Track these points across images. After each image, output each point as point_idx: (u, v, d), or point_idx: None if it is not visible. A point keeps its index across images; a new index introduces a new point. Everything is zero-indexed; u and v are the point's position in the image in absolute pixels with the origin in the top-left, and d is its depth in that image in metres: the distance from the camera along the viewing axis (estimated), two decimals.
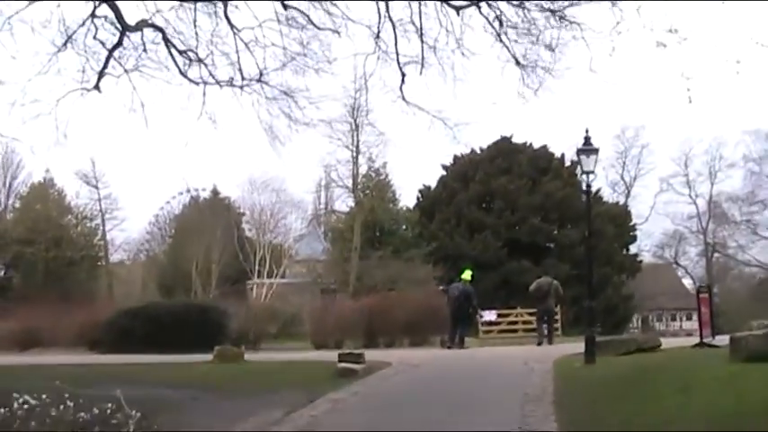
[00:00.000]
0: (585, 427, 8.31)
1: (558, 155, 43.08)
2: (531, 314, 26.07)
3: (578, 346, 16.43)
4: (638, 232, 46.63)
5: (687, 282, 66.17)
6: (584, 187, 17.18)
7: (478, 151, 41.89)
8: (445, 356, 19.92)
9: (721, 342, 15.96)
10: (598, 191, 42.13)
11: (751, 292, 59.43)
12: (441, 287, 27.87)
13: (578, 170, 41.99)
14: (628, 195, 58.72)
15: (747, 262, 60.09)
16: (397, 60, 14.42)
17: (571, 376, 13.08)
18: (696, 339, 17.56)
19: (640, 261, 46.44)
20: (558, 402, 10.14)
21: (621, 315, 41.26)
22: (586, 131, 15.63)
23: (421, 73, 14.44)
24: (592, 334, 15.11)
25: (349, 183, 38.11)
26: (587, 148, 15.82)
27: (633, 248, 45.75)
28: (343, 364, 14.25)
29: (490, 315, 28.90)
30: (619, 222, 42.27)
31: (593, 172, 16.24)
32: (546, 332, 23.15)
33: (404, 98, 14.94)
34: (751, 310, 51.38)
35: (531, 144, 43.17)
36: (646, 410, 8.71)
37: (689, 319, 62.86)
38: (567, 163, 42.24)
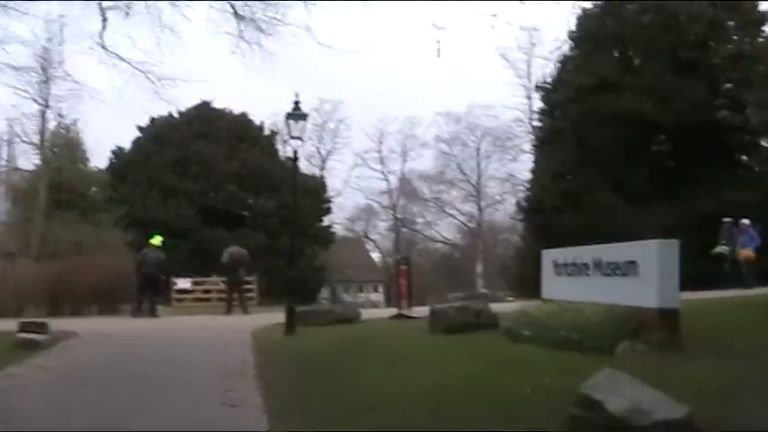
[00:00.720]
0: (292, 403, 8.40)
1: (258, 123, 44.06)
2: (225, 283, 26.88)
3: (274, 316, 17.05)
4: (332, 205, 49.06)
5: (375, 255, 71.36)
6: (291, 154, 17.42)
7: (176, 115, 41.47)
8: (136, 326, 19.54)
9: (418, 314, 17.78)
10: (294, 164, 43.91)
11: (434, 266, 65.55)
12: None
13: (278, 139, 44.22)
14: (323, 168, 61.74)
15: (433, 238, 66.17)
16: (100, 4, 13.90)
17: (272, 349, 13.21)
18: (388, 311, 19.07)
19: (333, 233, 49.32)
20: (261, 376, 10.23)
21: (313, 286, 43.65)
22: (296, 96, 16.19)
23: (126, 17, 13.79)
24: (292, 305, 15.64)
25: (36, 139, 36.01)
26: (296, 113, 16.21)
27: (327, 221, 48.15)
28: (24, 335, 13.28)
29: (184, 283, 29.64)
30: (314, 194, 44.38)
31: (300, 138, 16.73)
32: (238, 302, 23.89)
33: (104, 46, 14.38)
34: (434, 283, 57.49)
35: (230, 111, 44.02)
36: (353, 384, 9.17)
37: (375, 290, 68.35)
38: (267, 132, 43.43)
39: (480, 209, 61.81)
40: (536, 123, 53.78)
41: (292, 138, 16.62)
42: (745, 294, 17.07)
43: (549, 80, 33.83)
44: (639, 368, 8.38)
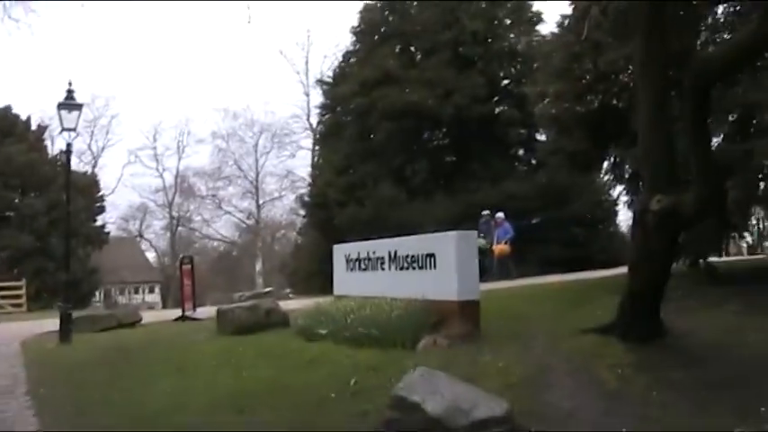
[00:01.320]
0: (72, 422, 7.72)
1: (24, 117, 41.02)
2: None
3: (45, 323, 16.10)
4: (105, 204, 46.58)
5: (151, 255, 68.62)
6: (64, 147, 15.99)
7: None
8: None
9: (203, 315, 16.91)
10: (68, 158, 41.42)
11: (211, 264, 63.97)
12: None
13: (48, 135, 41.30)
14: (95, 165, 58.43)
15: (210, 236, 64.59)
16: None
17: (46, 360, 12.31)
18: (170, 313, 18.22)
19: (107, 233, 46.81)
20: (35, 393, 9.38)
21: (86, 289, 41.27)
22: (69, 84, 14.95)
23: None
24: (66, 310, 14.46)
25: None
26: (70, 103, 14.95)
27: (100, 220, 45.78)
28: None
29: None
30: (86, 193, 41.97)
31: (74, 129, 15.40)
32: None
33: None
34: (213, 282, 56.09)
35: None
36: (141, 394, 8.66)
37: (151, 291, 65.73)
38: (35, 127, 40.56)
39: (259, 205, 60.99)
40: (317, 118, 54.96)
41: (65, 129, 15.22)
42: (511, 285, 17.99)
43: (330, 75, 33.88)
44: (443, 363, 8.31)
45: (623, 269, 9.76)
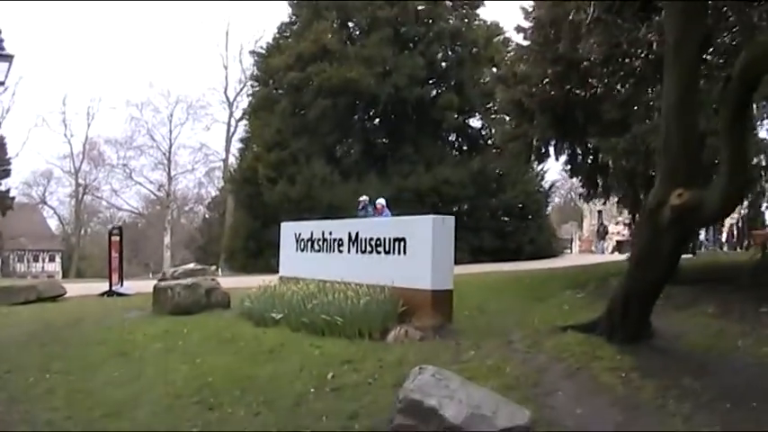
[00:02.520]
0: (5, 414, 7.05)
1: None
2: None
3: None
4: (11, 167, 44.37)
5: (53, 223, 65.92)
6: None
7: None
8: None
9: (130, 290, 15.91)
10: None
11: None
12: None
13: None
14: None
15: (118, 206, 62.30)
16: None
17: None
18: (95, 286, 17.19)
19: (12, 198, 44.69)
20: None
21: None
22: None
23: None
24: None
25: None
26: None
27: (4, 185, 43.63)
28: None
29: None
30: None
31: (3, 83, 13.92)
32: None
33: None
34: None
35: None
36: (87, 384, 7.81)
37: (52, 260, 63.15)
38: None
39: (170, 177, 59.04)
40: (237, 91, 53.67)
41: None
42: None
43: (264, 46, 32.67)
44: (423, 357, 7.78)
45: (561, 261, 9.45)
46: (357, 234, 11.16)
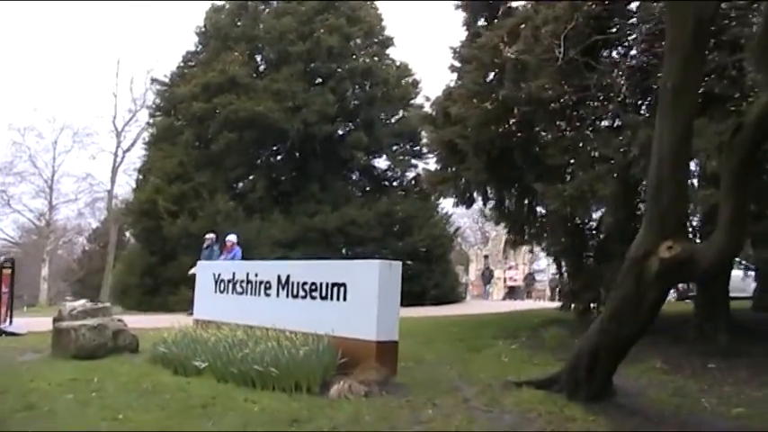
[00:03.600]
0: None
1: None
2: None
3: None
4: None
5: None
6: None
7: None
8: None
9: (20, 329, 14.50)
10: None
11: None
12: None
13: None
14: None
15: None
16: None
17: None
18: None
19: None
20: None
21: None
22: None
23: None
24: None
25: None
26: None
27: None
28: None
29: None
30: None
31: None
32: None
33: None
34: None
35: None
36: None
37: None
38: None
39: (51, 206, 56.22)
40: (125, 119, 51.84)
41: None
42: None
43: (167, 75, 31.37)
44: (379, 416, 7.13)
45: (469, 308, 8.97)
46: (288, 277, 10.40)
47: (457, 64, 14.81)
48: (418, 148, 32.02)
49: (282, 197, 29.34)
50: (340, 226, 27.95)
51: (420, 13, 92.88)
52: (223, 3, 31.47)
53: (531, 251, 37.46)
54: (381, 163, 32.52)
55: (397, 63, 32.61)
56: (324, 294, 9.65)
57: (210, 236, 20.60)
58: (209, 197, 27.14)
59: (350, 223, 28.20)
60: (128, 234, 51.38)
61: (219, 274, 12.13)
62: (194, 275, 14.09)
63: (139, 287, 28.11)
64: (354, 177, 32.14)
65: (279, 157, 30.42)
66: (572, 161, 11.69)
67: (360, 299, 9.08)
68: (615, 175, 10.85)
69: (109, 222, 51.61)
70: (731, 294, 17.50)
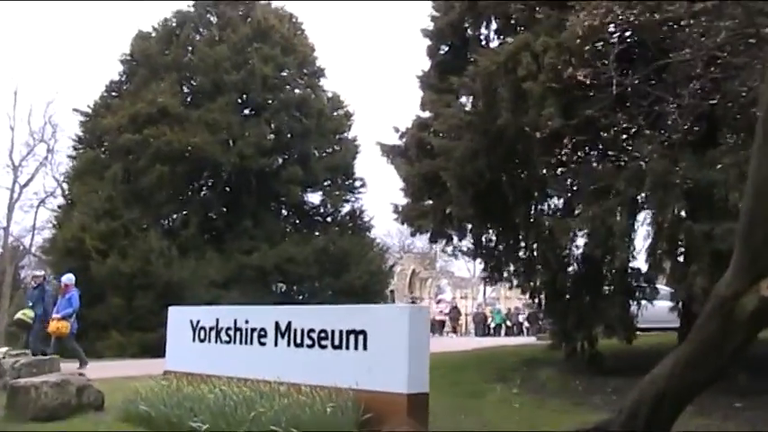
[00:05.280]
0: None
1: None
2: None
3: None
4: None
5: None
6: None
7: None
8: None
9: None
10: None
11: None
12: None
13: None
14: None
15: None
16: None
17: None
18: None
19: None
20: None
21: None
22: None
23: None
24: None
25: None
26: None
27: None
28: None
29: None
30: None
31: None
32: None
33: None
34: None
35: None
36: None
37: None
38: None
39: None
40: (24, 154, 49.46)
41: None
42: None
43: (91, 105, 29.85)
44: None
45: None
46: (289, 324, 9.61)
47: (431, 93, 14.41)
48: (350, 182, 31.70)
49: (216, 234, 28.36)
50: (277, 263, 27.15)
51: (349, 42, 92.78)
52: (149, 30, 30.42)
53: (489, 286, 37.39)
54: (315, 198, 32.10)
55: (329, 94, 32.26)
56: (337, 343, 8.91)
57: (39, 273, 18.86)
58: (139, 234, 25.90)
59: (287, 261, 27.43)
60: (23, 273, 49.29)
61: (198, 321, 11.20)
62: (19, 320, 13.47)
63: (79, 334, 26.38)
64: (287, 213, 31.48)
65: (210, 192, 29.40)
66: (570, 193, 11.40)
67: (385, 348, 8.39)
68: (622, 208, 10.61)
69: (5, 261, 49.05)
70: (659, 326, 17.54)
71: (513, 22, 13.09)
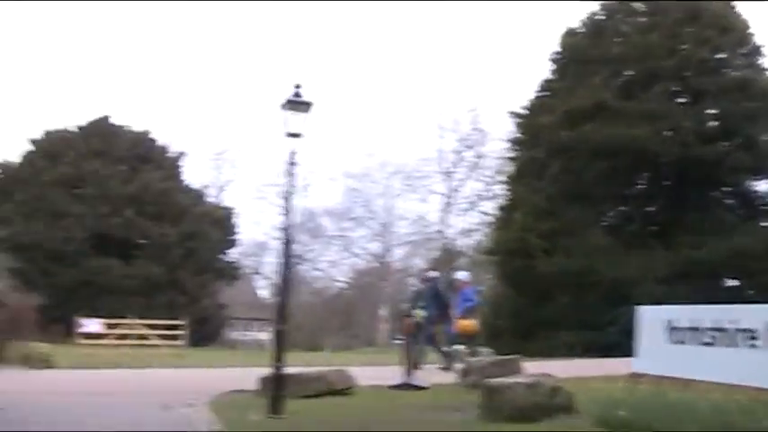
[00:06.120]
0: None
1: (161, 143, 42.25)
2: (148, 326, 22.81)
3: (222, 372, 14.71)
4: (238, 237, 46.43)
5: (264, 292, 67.38)
6: (287, 157, 11.85)
7: (73, 129, 39.64)
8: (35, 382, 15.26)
9: (422, 381, 13.89)
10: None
11: (323, 305, 62.21)
12: None
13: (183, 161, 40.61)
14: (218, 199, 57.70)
15: (330, 276, 62.83)
16: None
17: None
18: (373, 372, 15.19)
19: (238, 268, 46.24)
20: None
21: (215, 325, 41.34)
22: (297, 86, 11.76)
23: None
24: (279, 367, 10.62)
25: None
26: (297, 101, 11.24)
27: (232, 254, 45.88)
28: None
29: (92, 325, 25.04)
30: (220, 225, 41.93)
31: (300, 135, 11.82)
32: None
33: None
34: (326, 324, 54.33)
35: (130, 127, 41.32)
36: None
37: (260, 330, 64.21)
38: (171, 153, 42.09)
39: (388, 249, 58.71)
40: (453, 158, 52.57)
41: (290, 135, 11.92)
42: None
43: (526, 106, 30.89)
44: None
45: None
46: None
47: None
48: None
49: (659, 228, 27.71)
50: (727, 257, 25.58)
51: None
52: (577, 26, 30.64)
53: None
54: (763, 185, 29.65)
55: None
56: None
57: (434, 274, 18.23)
58: (582, 232, 26.18)
59: (736, 254, 25.71)
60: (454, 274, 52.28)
61: (673, 321, 10.91)
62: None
63: (509, 330, 27.54)
64: (733, 202, 29.65)
65: (650, 185, 28.84)
66: None
67: None
68: None
69: (441, 263, 52.73)
70: None
71: None
